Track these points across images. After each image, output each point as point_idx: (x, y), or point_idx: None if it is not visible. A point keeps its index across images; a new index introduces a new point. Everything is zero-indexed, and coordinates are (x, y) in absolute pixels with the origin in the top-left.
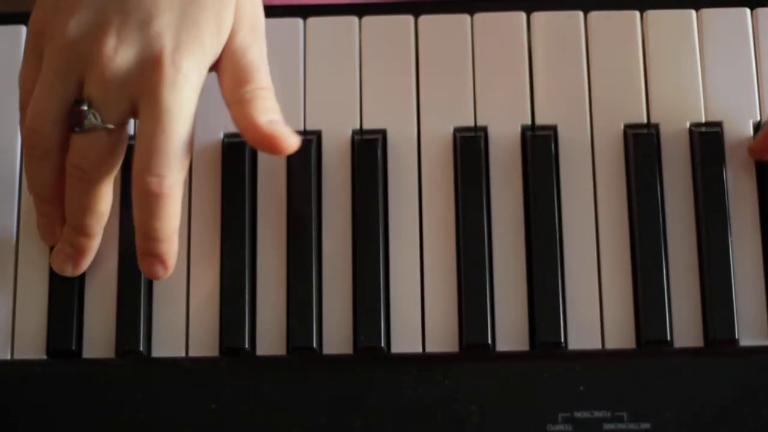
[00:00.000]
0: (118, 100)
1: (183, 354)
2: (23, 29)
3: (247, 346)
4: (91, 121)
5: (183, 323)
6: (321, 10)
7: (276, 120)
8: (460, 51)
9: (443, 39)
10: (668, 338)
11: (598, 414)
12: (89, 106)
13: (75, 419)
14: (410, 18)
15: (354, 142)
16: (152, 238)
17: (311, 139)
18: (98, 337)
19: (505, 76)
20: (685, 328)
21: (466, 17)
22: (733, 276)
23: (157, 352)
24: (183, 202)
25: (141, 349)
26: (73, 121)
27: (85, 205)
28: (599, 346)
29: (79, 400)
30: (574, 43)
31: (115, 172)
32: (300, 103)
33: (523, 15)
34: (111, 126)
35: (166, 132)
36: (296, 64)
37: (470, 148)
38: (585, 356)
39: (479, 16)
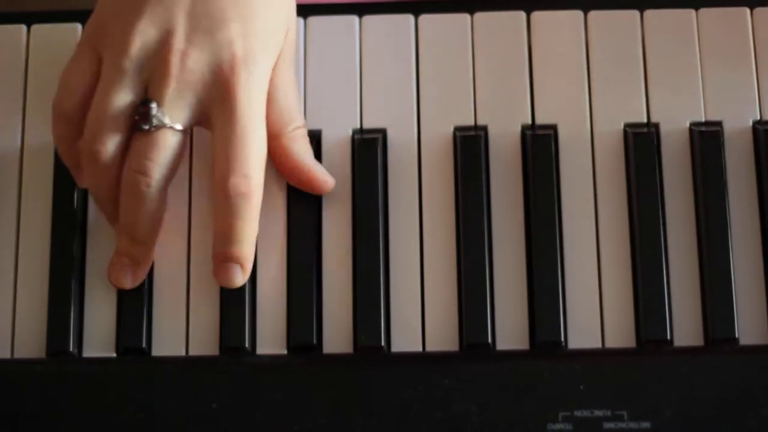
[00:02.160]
0: (186, 103)
1: (183, 353)
2: (23, 29)
3: (247, 345)
4: (159, 119)
5: (183, 323)
6: (321, 10)
7: (316, 162)
8: (460, 51)
9: (443, 39)
10: (668, 338)
11: (598, 413)
12: (157, 108)
13: (75, 419)
14: (410, 18)
15: (354, 142)
16: (234, 240)
17: (311, 139)
18: (98, 337)
19: (505, 76)
20: (685, 327)
21: (466, 17)
22: (733, 276)
23: (157, 351)
24: (183, 202)
25: (141, 347)
26: (139, 119)
27: (144, 213)
28: (599, 346)
29: (79, 400)
30: (574, 43)
31: (172, 179)
32: (300, 102)
33: (523, 15)
34: (178, 126)
35: (247, 133)
36: (296, 63)
37: (470, 147)
38: (585, 355)
39: (479, 16)
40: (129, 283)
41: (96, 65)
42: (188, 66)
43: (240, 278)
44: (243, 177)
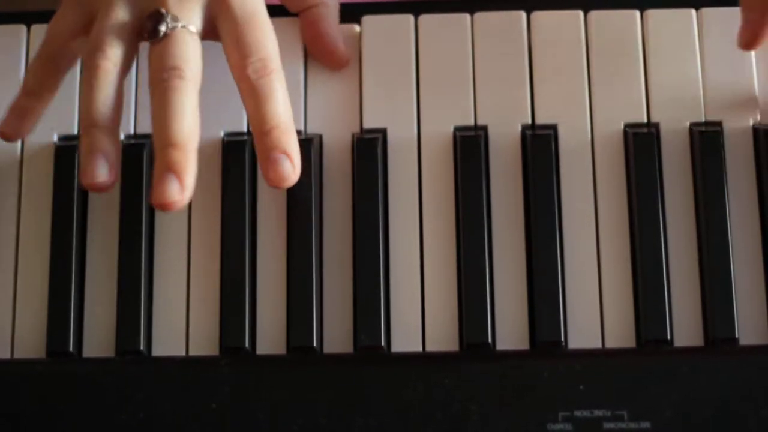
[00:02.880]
0: (190, 7)
1: (183, 353)
2: (23, 29)
3: (247, 345)
4: (173, 20)
5: (183, 323)
6: None
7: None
8: (460, 51)
9: (443, 39)
10: (668, 338)
11: (598, 413)
12: (167, 13)
13: (75, 419)
14: (410, 17)
15: (354, 142)
16: (272, 126)
17: (312, 139)
18: (98, 337)
19: (505, 76)
20: (685, 327)
21: (466, 17)
22: (733, 276)
23: (157, 351)
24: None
25: (141, 348)
26: (153, 27)
27: (183, 110)
28: (599, 346)
29: (79, 400)
30: (574, 43)
31: (199, 83)
32: (301, 103)
33: (523, 15)
34: (192, 28)
35: (250, 19)
36: (297, 63)
37: (470, 147)
38: (585, 355)
39: (479, 16)
40: (178, 194)
41: (84, 14)
42: None
43: (290, 170)
44: (260, 61)
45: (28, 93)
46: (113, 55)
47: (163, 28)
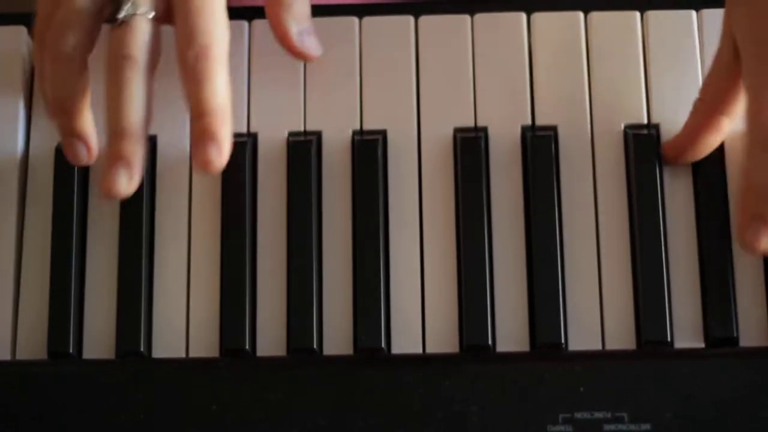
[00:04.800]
0: None
1: (183, 354)
2: (23, 29)
3: (247, 346)
4: (131, 7)
5: (183, 323)
6: (321, 10)
7: (307, 30)
8: (460, 51)
9: (443, 39)
10: (668, 338)
11: (598, 415)
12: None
13: (75, 419)
14: (410, 18)
15: (354, 143)
16: (205, 112)
17: (311, 140)
18: (98, 337)
19: (505, 76)
20: (685, 329)
21: (466, 17)
22: (733, 276)
23: (157, 352)
24: (183, 205)
25: (141, 349)
26: (112, 12)
27: (133, 98)
28: (599, 347)
29: (79, 400)
30: (574, 43)
31: (155, 67)
32: (300, 103)
33: (523, 15)
34: (150, 15)
35: (201, 14)
36: (296, 64)
37: (470, 148)
38: (585, 357)
39: (479, 16)
40: (126, 185)
41: None
42: None
43: (216, 158)
44: (201, 47)
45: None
46: (74, 39)
47: (121, 15)
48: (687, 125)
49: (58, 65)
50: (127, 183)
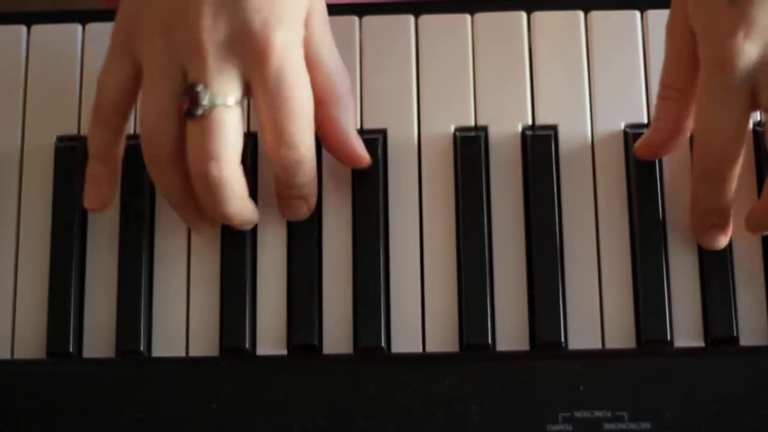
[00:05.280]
0: (229, 77)
1: (183, 354)
2: (23, 29)
3: (247, 345)
4: (210, 99)
5: (183, 323)
6: None
7: (358, 136)
8: (460, 50)
9: (443, 38)
10: (668, 338)
11: (598, 414)
12: (203, 89)
13: (75, 419)
14: (410, 18)
15: None
16: (299, 196)
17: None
18: (98, 337)
19: (505, 76)
20: (685, 328)
21: (466, 17)
22: (732, 275)
23: (157, 352)
24: None
25: (141, 349)
26: (190, 106)
27: (228, 200)
28: (599, 346)
29: (79, 400)
30: (574, 43)
31: (240, 158)
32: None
33: (523, 15)
34: (230, 102)
35: (288, 98)
36: None
37: (470, 148)
38: (585, 356)
39: (479, 16)
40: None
41: (131, 66)
42: (220, 40)
43: (306, 211)
44: (291, 148)
45: (95, 157)
46: (166, 142)
47: (199, 112)
48: (662, 120)
49: (156, 170)
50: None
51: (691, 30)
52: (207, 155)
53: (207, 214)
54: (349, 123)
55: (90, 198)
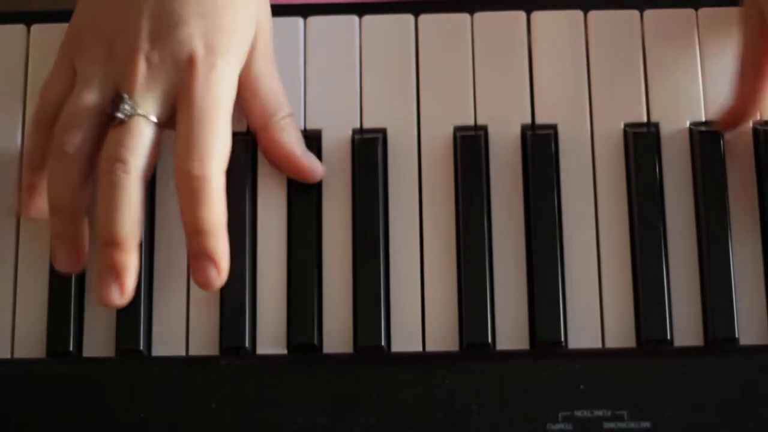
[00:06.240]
0: (155, 97)
1: (183, 353)
2: (23, 29)
3: (247, 345)
4: (131, 107)
5: (183, 323)
6: (321, 10)
7: (307, 151)
8: (460, 50)
9: (443, 39)
10: (668, 338)
11: (598, 413)
12: (128, 98)
13: (75, 419)
14: (410, 18)
15: (354, 142)
16: (201, 231)
17: (311, 139)
18: (98, 337)
19: (505, 75)
20: (685, 327)
21: (466, 17)
22: (733, 276)
23: (157, 351)
24: None
25: (141, 347)
26: (112, 110)
27: (123, 207)
28: (599, 346)
29: (79, 400)
30: (573, 43)
31: (149, 176)
32: (300, 103)
33: (523, 15)
34: (152, 117)
35: (204, 124)
36: (296, 63)
37: (470, 147)
38: (585, 355)
39: (479, 16)
40: (118, 297)
41: (74, 76)
42: (153, 63)
43: (215, 276)
44: (197, 161)
45: (31, 167)
46: (78, 138)
47: (120, 115)
48: (739, 92)
49: (59, 163)
50: (119, 295)
51: (760, 13)
52: (116, 155)
53: (97, 222)
54: (291, 143)
55: (22, 206)
